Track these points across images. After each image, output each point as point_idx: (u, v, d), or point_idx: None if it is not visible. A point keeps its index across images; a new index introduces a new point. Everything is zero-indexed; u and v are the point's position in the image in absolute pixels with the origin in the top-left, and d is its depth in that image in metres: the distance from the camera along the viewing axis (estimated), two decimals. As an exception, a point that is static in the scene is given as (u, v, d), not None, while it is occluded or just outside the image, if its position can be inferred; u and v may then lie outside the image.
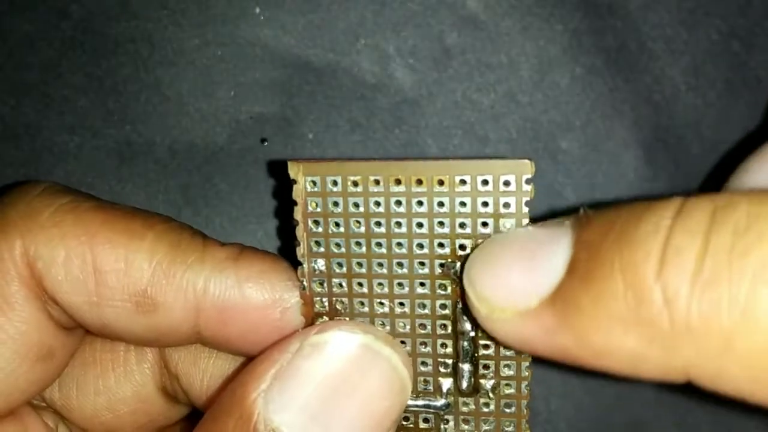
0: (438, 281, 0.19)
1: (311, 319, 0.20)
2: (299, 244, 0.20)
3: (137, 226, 0.19)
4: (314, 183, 0.19)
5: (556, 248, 0.15)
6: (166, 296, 0.19)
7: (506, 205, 0.18)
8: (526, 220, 0.18)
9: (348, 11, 0.27)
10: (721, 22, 0.27)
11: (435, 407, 0.20)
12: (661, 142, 0.27)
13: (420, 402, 0.20)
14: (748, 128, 0.27)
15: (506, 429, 0.21)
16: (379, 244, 0.19)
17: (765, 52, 0.27)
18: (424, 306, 0.20)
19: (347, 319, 0.19)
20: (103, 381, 0.22)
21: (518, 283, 0.16)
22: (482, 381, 0.20)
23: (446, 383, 0.20)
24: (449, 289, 0.19)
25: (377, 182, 0.19)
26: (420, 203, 0.19)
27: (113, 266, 0.19)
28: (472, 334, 0.19)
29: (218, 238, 0.26)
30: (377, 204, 0.19)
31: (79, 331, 0.21)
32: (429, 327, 0.20)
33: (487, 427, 0.21)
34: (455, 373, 0.20)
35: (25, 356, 0.19)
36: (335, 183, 0.19)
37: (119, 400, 0.22)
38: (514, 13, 0.27)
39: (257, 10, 0.27)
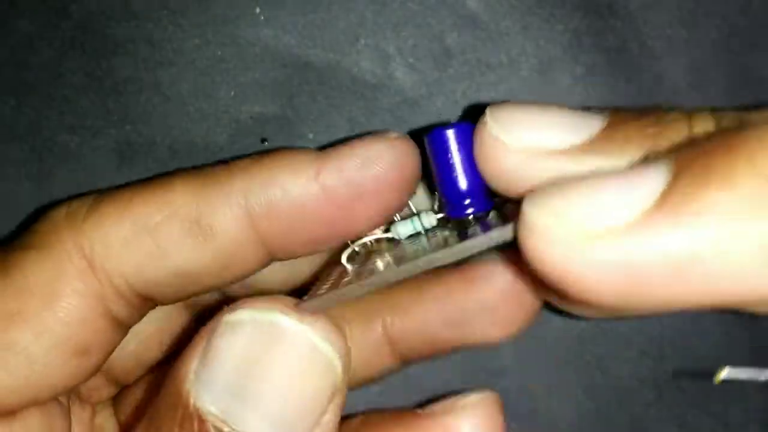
0: None
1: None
2: None
3: (163, 179, 0.20)
4: None
5: (650, 167, 0.14)
6: (216, 215, 0.19)
7: None
8: None
9: (348, 11, 0.27)
10: (721, 21, 0.27)
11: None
12: (661, 142, 0.27)
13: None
14: (748, 128, 0.27)
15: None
16: None
17: (766, 52, 0.27)
18: None
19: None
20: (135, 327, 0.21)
21: (610, 198, 0.14)
22: None
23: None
24: None
25: None
26: None
27: (159, 213, 0.19)
28: None
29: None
30: None
31: (126, 326, 0.21)
32: None
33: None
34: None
35: (63, 350, 0.19)
36: None
37: (140, 323, 0.22)
38: (515, 13, 0.27)
39: (257, 10, 0.27)
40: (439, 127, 0.19)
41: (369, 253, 0.21)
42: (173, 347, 0.24)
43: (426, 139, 0.19)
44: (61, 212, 0.20)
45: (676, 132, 0.15)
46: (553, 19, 0.27)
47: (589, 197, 0.14)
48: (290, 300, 0.19)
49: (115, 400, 0.24)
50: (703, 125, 0.15)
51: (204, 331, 0.18)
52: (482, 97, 0.27)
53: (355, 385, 0.24)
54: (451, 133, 0.19)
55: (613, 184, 0.14)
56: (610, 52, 0.27)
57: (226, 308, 0.19)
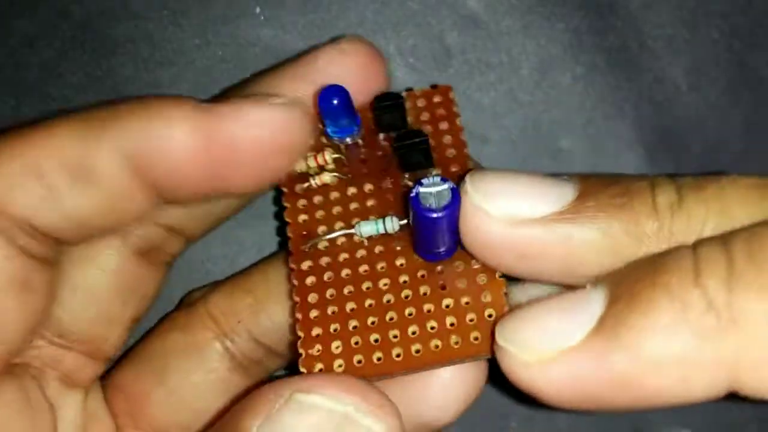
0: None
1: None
2: None
3: (46, 123, 0.20)
4: None
5: (590, 293, 0.17)
6: (98, 159, 0.19)
7: None
8: None
9: (348, 11, 0.27)
10: (722, 21, 0.27)
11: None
12: (662, 142, 0.27)
13: None
14: (749, 127, 0.27)
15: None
16: None
17: (766, 52, 0.27)
18: None
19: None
20: (72, 278, 0.22)
21: (559, 325, 0.17)
22: None
23: None
24: None
25: None
26: None
27: (43, 157, 0.19)
28: None
29: (217, 238, 0.26)
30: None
31: (53, 261, 0.21)
32: None
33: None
34: None
35: (6, 289, 0.19)
36: None
37: (94, 285, 0.22)
38: (515, 12, 0.27)
39: (257, 10, 0.27)
40: (418, 196, 0.19)
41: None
42: (144, 304, 0.24)
43: (410, 201, 0.19)
44: None
45: (642, 202, 0.17)
46: (554, 19, 0.27)
47: (540, 325, 0.17)
48: (365, 387, 0.18)
49: (106, 386, 0.24)
50: (666, 195, 0.17)
51: (267, 395, 0.18)
52: (483, 96, 0.27)
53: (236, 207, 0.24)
54: (440, 215, 0.19)
55: (559, 311, 0.17)
56: (610, 52, 0.27)
57: (296, 380, 0.18)
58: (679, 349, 0.15)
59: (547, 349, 0.16)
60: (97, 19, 0.27)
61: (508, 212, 0.18)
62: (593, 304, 0.16)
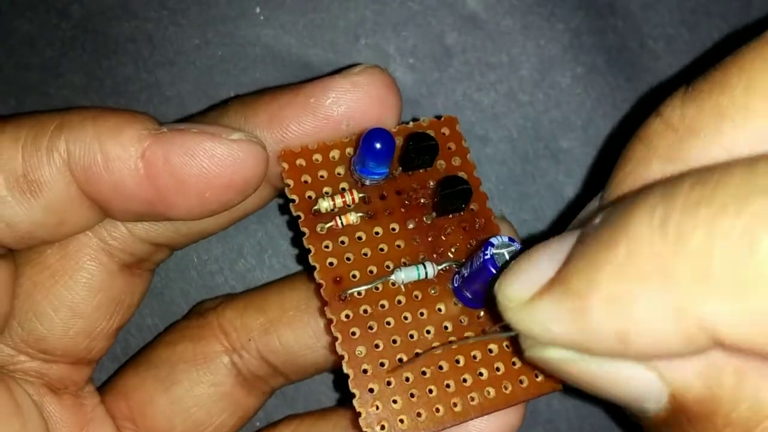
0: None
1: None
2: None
3: None
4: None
5: (562, 243, 0.16)
6: (41, 171, 0.19)
7: None
8: None
9: (348, 11, 0.27)
10: (722, 21, 0.27)
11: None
12: (662, 142, 0.27)
13: None
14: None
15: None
16: None
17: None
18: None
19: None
20: (54, 295, 0.22)
21: (532, 271, 0.16)
22: None
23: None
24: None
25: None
26: None
27: None
28: None
29: (218, 238, 0.26)
30: None
31: (7, 259, 0.21)
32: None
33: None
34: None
35: None
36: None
37: (79, 302, 0.22)
38: (515, 13, 0.27)
39: (257, 10, 0.27)
40: (493, 257, 0.19)
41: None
42: (129, 312, 0.23)
43: (484, 262, 0.19)
44: None
45: None
46: (554, 19, 0.27)
47: (518, 272, 0.17)
48: None
49: (108, 389, 0.24)
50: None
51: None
52: (483, 96, 0.27)
53: (235, 220, 0.24)
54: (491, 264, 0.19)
55: (536, 257, 0.16)
56: (610, 52, 0.27)
57: None
58: (646, 299, 0.13)
59: (520, 295, 0.16)
60: (97, 19, 0.27)
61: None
62: (564, 246, 0.16)
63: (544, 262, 0.16)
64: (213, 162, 0.19)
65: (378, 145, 0.20)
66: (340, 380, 0.26)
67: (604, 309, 0.14)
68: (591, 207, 0.19)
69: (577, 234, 0.16)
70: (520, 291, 0.16)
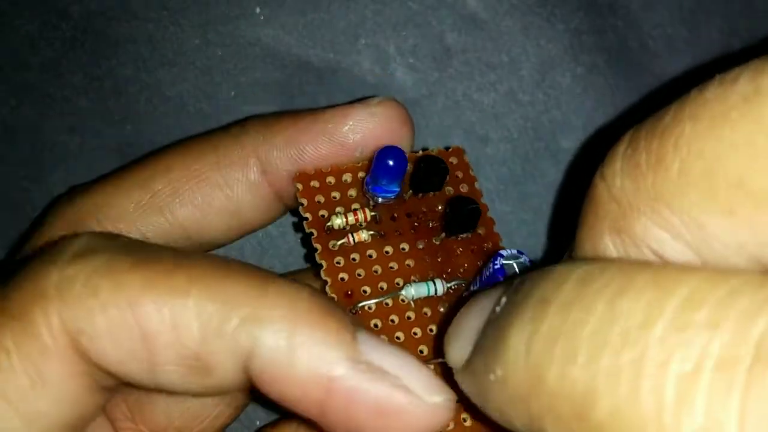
0: None
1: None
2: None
3: (181, 282, 0.18)
4: None
5: (480, 316, 0.16)
6: (218, 357, 0.18)
7: None
8: None
9: (348, 11, 0.27)
10: (722, 21, 0.27)
11: None
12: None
13: None
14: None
15: None
16: None
17: (766, 52, 0.27)
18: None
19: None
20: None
21: (456, 346, 0.17)
22: None
23: None
24: None
25: None
26: None
27: (160, 330, 0.17)
28: None
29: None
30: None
31: (112, 389, 0.20)
32: None
33: None
34: None
35: (56, 429, 0.18)
36: None
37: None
38: (515, 13, 0.27)
39: (257, 10, 0.27)
40: (503, 268, 0.20)
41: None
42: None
43: (494, 272, 0.20)
44: (51, 277, 0.18)
45: None
46: (554, 19, 0.27)
47: (454, 334, 0.17)
48: None
49: None
50: None
51: None
52: (483, 96, 0.27)
53: (246, 233, 0.24)
54: None
55: (467, 321, 0.17)
56: (610, 52, 0.27)
57: None
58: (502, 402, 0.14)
59: (455, 362, 0.17)
60: (97, 19, 0.27)
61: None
62: (482, 317, 0.16)
63: (466, 335, 0.16)
64: (401, 422, 0.18)
65: (391, 162, 0.21)
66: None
67: (496, 415, 0.15)
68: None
69: (493, 302, 0.16)
70: (454, 360, 0.17)
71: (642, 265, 0.13)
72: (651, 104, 0.27)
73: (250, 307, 0.17)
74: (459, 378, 0.17)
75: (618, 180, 0.14)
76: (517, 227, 0.27)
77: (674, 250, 0.13)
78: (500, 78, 0.27)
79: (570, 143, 0.27)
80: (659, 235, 0.13)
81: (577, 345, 0.12)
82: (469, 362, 0.16)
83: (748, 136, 0.12)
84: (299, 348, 0.17)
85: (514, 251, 0.20)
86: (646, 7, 0.26)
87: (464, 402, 0.18)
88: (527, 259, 0.20)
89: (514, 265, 0.20)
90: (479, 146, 0.27)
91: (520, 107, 0.27)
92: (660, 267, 0.13)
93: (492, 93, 0.27)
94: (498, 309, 0.15)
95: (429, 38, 0.27)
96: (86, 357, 0.18)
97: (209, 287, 0.18)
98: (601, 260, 0.14)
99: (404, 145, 0.22)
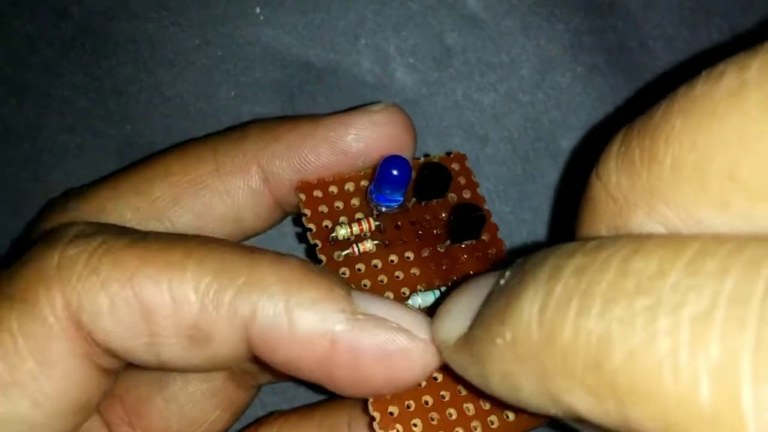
0: None
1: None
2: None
3: (177, 257, 0.18)
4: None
5: (478, 293, 0.17)
6: (217, 326, 0.18)
7: None
8: None
9: (348, 11, 0.27)
10: (722, 21, 0.27)
11: None
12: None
13: None
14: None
15: None
16: None
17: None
18: None
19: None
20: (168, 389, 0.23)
21: (449, 321, 0.17)
22: None
23: None
24: None
25: None
26: None
27: (160, 304, 0.18)
28: None
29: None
30: None
31: (116, 371, 0.20)
32: None
33: None
34: None
35: (64, 413, 0.19)
36: None
37: (197, 400, 0.23)
38: (515, 13, 0.27)
39: (257, 10, 0.27)
40: None
41: None
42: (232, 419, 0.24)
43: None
44: (52, 259, 0.18)
45: None
46: (554, 19, 0.27)
47: (446, 312, 0.18)
48: None
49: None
50: None
51: None
52: (483, 96, 0.27)
53: (245, 239, 0.24)
54: None
55: (461, 299, 0.17)
56: (610, 52, 0.27)
57: None
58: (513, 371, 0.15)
59: (447, 340, 0.17)
60: (97, 19, 0.27)
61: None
62: (479, 295, 0.16)
63: (463, 310, 0.17)
64: (403, 363, 0.18)
65: (395, 172, 0.21)
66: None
67: (498, 380, 0.15)
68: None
69: (493, 281, 0.16)
70: (446, 336, 0.17)
71: (650, 235, 0.13)
72: (651, 104, 0.27)
73: (246, 276, 0.18)
74: (451, 354, 0.17)
75: (614, 177, 0.14)
76: (517, 227, 0.27)
77: None
78: (500, 78, 0.27)
79: (570, 143, 0.27)
80: (657, 229, 0.14)
81: (591, 300, 0.13)
82: (469, 334, 0.16)
83: (736, 130, 0.12)
84: (297, 309, 0.18)
85: None
86: (646, 7, 0.26)
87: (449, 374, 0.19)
88: None
89: None
90: (479, 146, 0.27)
91: (520, 107, 0.27)
92: (668, 234, 0.13)
93: (492, 93, 0.27)
94: (503, 282, 0.15)
95: (429, 38, 0.27)
96: (89, 337, 0.18)
97: (204, 260, 0.18)
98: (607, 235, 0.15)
99: (407, 152, 0.22)
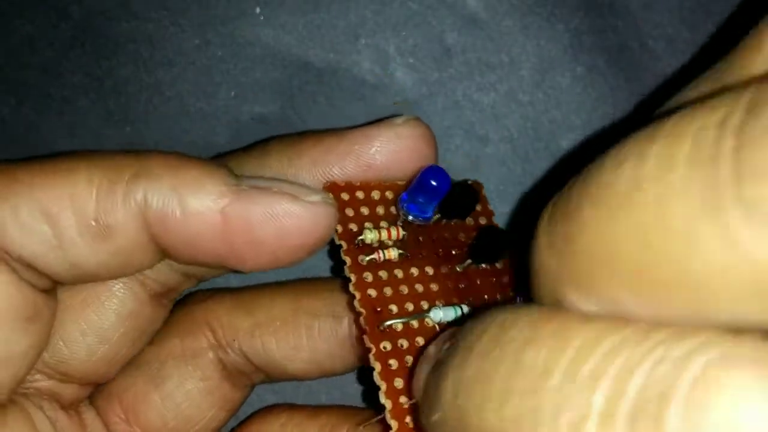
0: None
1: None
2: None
3: (69, 164, 0.20)
4: None
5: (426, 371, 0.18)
6: (115, 217, 0.19)
7: None
8: None
9: (348, 11, 0.27)
10: (722, 21, 0.26)
11: None
12: (662, 142, 0.27)
13: None
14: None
15: None
16: None
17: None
18: None
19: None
20: (84, 319, 0.22)
21: (416, 392, 0.18)
22: None
23: None
24: None
25: None
26: None
27: (59, 205, 0.19)
28: None
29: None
30: None
31: (53, 292, 0.21)
32: None
33: None
34: None
35: (14, 320, 0.19)
36: None
37: (107, 328, 0.22)
38: (515, 13, 0.27)
39: (257, 10, 0.27)
40: None
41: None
42: (147, 339, 0.24)
43: None
44: None
45: None
46: (554, 19, 0.27)
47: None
48: None
49: (100, 391, 0.24)
50: None
51: None
52: (483, 96, 0.27)
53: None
54: None
55: None
56: (610, 52, 0.27)
57: None
58: None
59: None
60: (97, 19, 0.27)
61: None
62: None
63: (422, 377, 0.17)
64: (291, 223, 0.19)
65: (434, 183, 0.21)
66: (340, 383, 0.26)
67: None
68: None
69: (437, 350, 0.17)
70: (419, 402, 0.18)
71: (552, 313, 0.14)
72: (651, 104, 0.27)
73: (135, 168, 0.19)
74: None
75: (545, 256, 0.15)
76: (517, 227, 0.27)
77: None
78: (500, 78, 0.27)
79: (570, 143, 0.27)
80: (587, 307, 0.14)
81: (490, 392, 0.13)
82: (420, 406, 0.17)
83: (638, 225, 0.12)
84: (184, 188, 0.19)
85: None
86: (646, 7, 0.26)
87: None
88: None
89: None
90: (479, 146, 0.27)
91: (520, 107, 0.27)
92: (565, 317, 0.13)
93: (492, 93, 0.27)
94: (441, 355, 0.16)
95: (429, 38, 0.27)
96: (3, 252, 0.19)
97: (94, 161, 0.20)
98: (517, 308, 0.15)
99: (430, 162, 0.22)
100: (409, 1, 0.27)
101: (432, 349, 0.18)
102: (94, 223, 0.19)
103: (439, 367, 0.16)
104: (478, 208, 0.23)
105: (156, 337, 0.24)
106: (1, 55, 0.27)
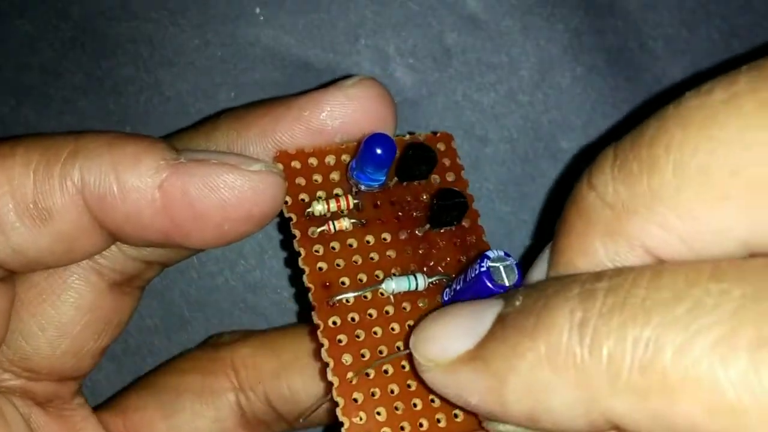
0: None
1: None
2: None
3: (5, 150, 0.19)
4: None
5: (483, 315, 0.17)
6: (53, 198, 0.19)
7: None
8: None
9: (348, 11, 0.27)
10: (721, 21, 0.27)
11: None
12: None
13: None
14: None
15: None
16: None
17: (766, 52, 0.27)
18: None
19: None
20: (41, 314, 0.21)
21: (445, 340, 0.17)
22: None
23: None
24: None
25: None
26: None
27: None
28: None
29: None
30: None
31: (8, 281, 0.21)
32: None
33: None
34: None
35: None
36: None
37: (66, 322, 0.22)
38: (515, 13, 0.27)
39: (257, 10, 0.27)
40: (489, 270, 0.19)
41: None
42: (118, 330, 0.23)
43: (480, 274, 0.19)
44: None
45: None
46: (554, 19, 0.27)
47: (438, 331, 0.17)
48: None
49: (107, 406, 0.24)
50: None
51: None
52: (483, 96, 0.27)
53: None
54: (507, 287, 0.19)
55: (458, 318, 0.17)
56: (610, 52, 0.27)
57: None
58: (545, 381, 0.15)
59: (437, 358, 0.17)
60: (97, 19, 0.27)
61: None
62: (484, 320, 0.16)
63: (463, 330, 0.17)
64: (233, 195, 0.19)
65: (379, 151, 0.20)
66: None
67: (520, 393, 0.15)
68: (542, 259, 0.19)
69: (497, 307, 0.16)
70: (437, 354, 0.17)
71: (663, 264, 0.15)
72: (651, 104, 0.27)
73: (71, 147, 0.19)
74: (443, 372, 0.17)
75: (610, 187, 0.15)
76: (517, 227, 0.27)
77: (667, 244, 0.15)
78: (500, 78, 0.27)
79: (570, 143, 0.27)
80: (654, 231, 0.14)
81: (631, 311, 0.14)
82: (480, 352, 0.16)
83: (736, 132, 0.13)
84: (121, 165, 0.19)
85: (501, 253, 0.19)
86: (646, 7, 0.26)
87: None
88: (514, 262, 0.19)
89: (501, 268, 0.19)
90: (479, 146, 0.27)
91: (520, 107, 0.27)
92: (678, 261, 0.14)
93: (492, 93, 0.27)
94: (518, 304, 0.16)
95: (429, 38, 0.27)
96: None
97: (30, 145, 0.19)
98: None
99: (387, 127, 0.21)
100: (409, 2, 0.27)
101: (478, 306, 0.17)
102: (32, 206, 0.19)
103: (527, 311, 0.15)
104: (446, 162, 0.22)
105: (177, 367, 0.24)
106: (1, 55, 0.27)
